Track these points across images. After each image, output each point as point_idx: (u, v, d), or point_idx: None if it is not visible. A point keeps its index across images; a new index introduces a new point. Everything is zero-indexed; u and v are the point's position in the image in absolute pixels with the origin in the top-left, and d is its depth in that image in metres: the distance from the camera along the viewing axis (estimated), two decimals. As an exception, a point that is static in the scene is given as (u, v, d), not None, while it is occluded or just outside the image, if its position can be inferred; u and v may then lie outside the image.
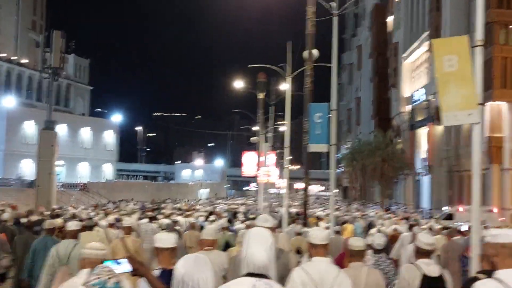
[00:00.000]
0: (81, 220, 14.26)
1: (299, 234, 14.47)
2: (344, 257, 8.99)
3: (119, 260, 4.33)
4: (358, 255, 7.05)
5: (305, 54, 20.17)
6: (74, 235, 9.32)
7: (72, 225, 9.56)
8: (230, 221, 21.86)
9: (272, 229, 7.20)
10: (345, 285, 5.67)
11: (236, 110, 62.85)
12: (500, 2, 45.24)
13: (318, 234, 6.14)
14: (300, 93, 32.41)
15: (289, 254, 7.59)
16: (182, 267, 3.73)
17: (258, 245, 3.91)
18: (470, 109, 8.46)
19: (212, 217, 21.63)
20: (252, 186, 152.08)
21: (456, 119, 8.64)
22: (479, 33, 8.59)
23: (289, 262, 7.24)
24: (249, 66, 30.81)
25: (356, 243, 7.18)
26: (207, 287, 3.59)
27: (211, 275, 3.76)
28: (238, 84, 43.26)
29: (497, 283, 4.13)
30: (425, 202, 63.75)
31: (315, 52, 20.41)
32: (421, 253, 6.99)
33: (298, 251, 12.43)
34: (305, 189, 20.05)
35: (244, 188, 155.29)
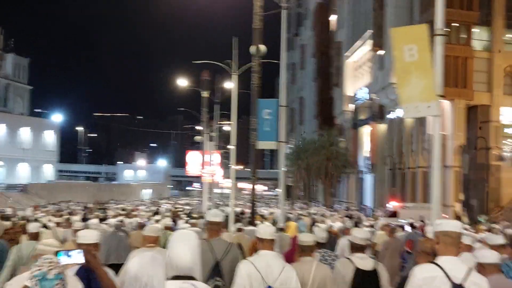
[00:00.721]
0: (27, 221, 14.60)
1: (239, 230, 14.56)
2: (293, 253, 9.50)
3: (69, 252, 4.36)
4: (308, 250, 7.16)
5: (252, 49, 19.65)
6: (35, 236, 9.51)
7: (34, 228, 9.75)
8: (174, 221, 21.59)
9: (222, 224, 7.47)
10: (290, 277, 5.89)
11: (181, 109, 61.86)
12: (441, 1, 45.59)
13: (265, 229, 6.31)
14: (246, 91, 32.02)
15: (237, 248, 7.55)
16: (137, 263, 3.61)
17: (182, 247, 4.02)
18: (430, 101, 8.18)
19: (157, 217, 21.35)
20: (196, 186, 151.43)
21: (417, 110, 8.35)
22: (439, 22, 8.29)
23: (239, 256, 7.22)
24: (194, 62, 30.13)
25: (306, 238, 7.28)
26: (160, 285, 3.52)
27: (164, 274, 3.69)
28: (182, 82, 42.57)
29: (435, 267, 4.55)
30: (368, 200, 64.17)
31: (262, 47, 19.93)
32: (355, 247, 7.13)
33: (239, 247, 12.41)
34: (253, 188, 19.52)
35: (188, 188, 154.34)
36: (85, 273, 5.20)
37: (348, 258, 7.14)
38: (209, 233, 7.11)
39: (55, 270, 3.73)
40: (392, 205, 42.31)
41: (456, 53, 46.14)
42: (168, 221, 19.36)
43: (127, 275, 3.63)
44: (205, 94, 41.18)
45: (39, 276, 3.68)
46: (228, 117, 67.23)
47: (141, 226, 17.10)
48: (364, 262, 6.96)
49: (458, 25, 45.90)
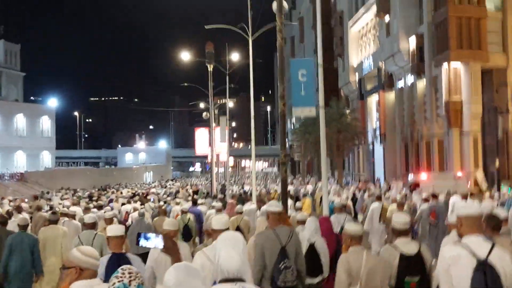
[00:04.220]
0: (54, 213, 14.20)
1: (239, 213, 14.73)
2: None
3: (148, 235, 4.40)
4: (358, 239, 7.23)
5: (275, 6, 17.47)
6: (92, 226, 10.37)
7: (90, 218, 10.54)
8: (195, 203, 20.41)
9: (282, 214, 8.20)
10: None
11: (183, 85, 59.59)
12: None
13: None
14: (258, 60, 29.86)
15: (297, 233, 8.05)
16: (173, 278, 3.38)
17: (230, 249, 4.01)
18: None
19: (178, 199, 20.37)
20: (196, 167, 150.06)
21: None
22: None
23: (299, 239, 7.90)
24: (206, 27, 27.60)
25: (355, 227, 7.30)
26: None
27: (201, 285, 3.49)
28: (185, 56, 40.42)
29: (461, 248, 4.97)
30: (379, 172, 62.52)
31: (285, 4, 17.77)
32: (397, 233, 7.29)
33: (237, 229, 13.02)
34: (284, 163, 17.29)
35: (190, 169, 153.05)
36: (117, 259, 5.56)
37: (391, 245, 7.28)
38: (271, 222, 7.84)
39: (136, 281, 3.71)
40: (414, 176, 40.39)
41: (468, 13, 44.25)
42: (185, 204, 18.83)
43: None
44: (210, 67, 38.83)
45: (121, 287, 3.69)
46: (226, 94, 65.23)
47: (163, 211, 16.89)
48: (408, 246, 7.07)
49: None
